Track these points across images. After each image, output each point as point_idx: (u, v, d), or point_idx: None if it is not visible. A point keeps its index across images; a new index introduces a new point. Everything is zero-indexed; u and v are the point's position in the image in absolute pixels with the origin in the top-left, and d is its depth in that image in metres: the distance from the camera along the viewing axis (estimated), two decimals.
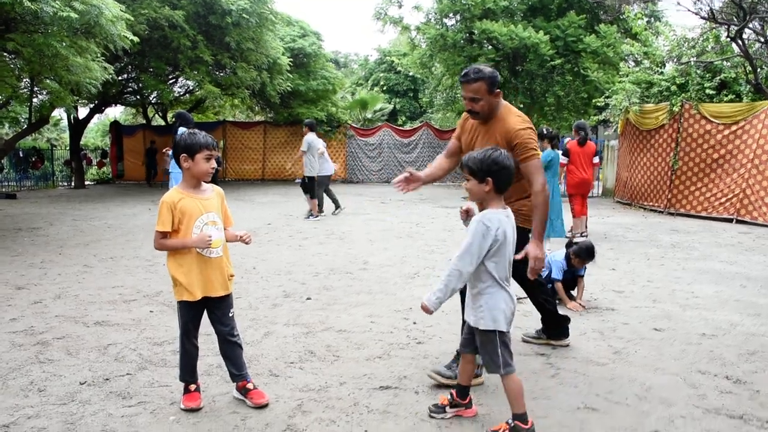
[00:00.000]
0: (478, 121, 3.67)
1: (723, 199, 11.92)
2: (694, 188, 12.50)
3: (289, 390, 3.39)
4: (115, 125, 24.13)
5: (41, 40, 8.16)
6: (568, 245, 5.34)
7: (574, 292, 5.41)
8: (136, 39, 9.52)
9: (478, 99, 3.51)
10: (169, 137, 22.34)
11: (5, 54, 9.91)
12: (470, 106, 3.56)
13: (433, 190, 19.21)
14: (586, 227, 9.36)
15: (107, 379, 3.54)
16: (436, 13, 19.63)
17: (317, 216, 11.61)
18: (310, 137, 11.45)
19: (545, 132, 7.82)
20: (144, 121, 24.79)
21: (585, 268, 5.36)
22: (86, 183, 21.54)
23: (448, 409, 3.03)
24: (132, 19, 9.93)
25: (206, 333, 4.33)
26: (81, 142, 21.77)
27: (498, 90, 3.53)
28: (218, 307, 3.18)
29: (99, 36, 8.75)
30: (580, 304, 5.20)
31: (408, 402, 3.23)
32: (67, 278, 6.29)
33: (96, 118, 26.50)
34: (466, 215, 3.08)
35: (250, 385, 3.21)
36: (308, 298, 5.47)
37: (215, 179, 14.65)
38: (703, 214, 12.25)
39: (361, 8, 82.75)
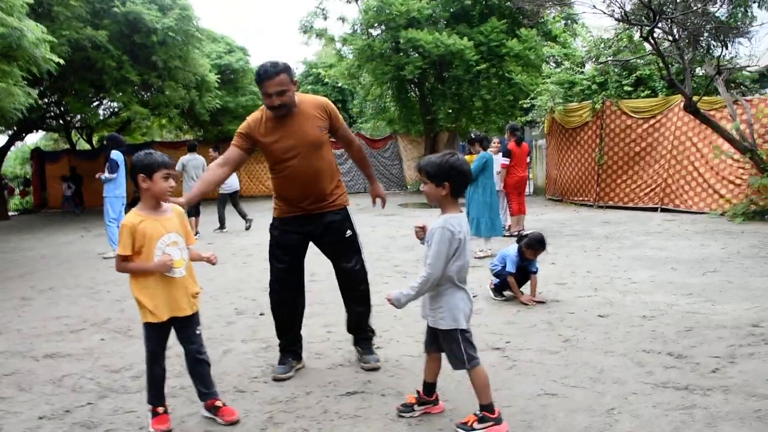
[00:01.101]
0: (278, 119, 3.66)
1: (647, 190, 12.59)
2: (620, 181, 13.14)
3: (258, 404, 3.41)
4: (36, 152, 23.17)
5: None
6: (519, 239, 5.55)
7: (524, 289, 5.61)
8: (61, 61, 9.22)
9: (285, 90, 3.55)
10: (95, 162, 21.70)
11: None
12: (279, 101, 3.56)
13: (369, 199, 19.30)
14: (523, 226, 9.69)
15: (68, 411, 3.46)
16: (361, 24, 19.85)
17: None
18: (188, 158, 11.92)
19: (474, 136, 8.13)
20: (68, 146, 23.91)
21: (537, 266, 5.56)
22: (9, 213, 20.57)
23: (416, 407, 3.13)
24: (55, 41, 9.62)
25: (168, 355, 4.31)
26: (0, 171, 20.79)
27: (296, 81, 3.68)
28: (186, 326, 3.19)
29: (21, 59, 8.44)
30: (533, 299, 5.39)
31: (376, 405, 3.31)
32: (6, 312, 6.04)
33: (14, 145, 25.34)
34: (423, 232, 3.12)
35: (219, 403, 3.22)
36: (261, 314, 5.45)
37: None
38: (630, 205, 12.90)
39: (283, 22, 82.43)
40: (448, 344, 2.96)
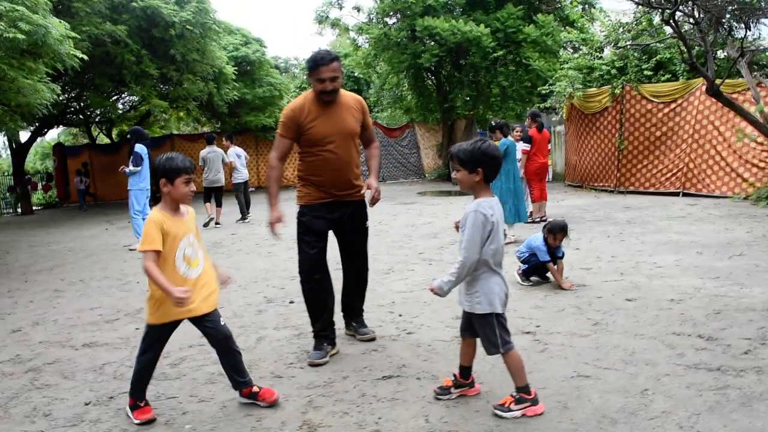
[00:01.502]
0: (319, 102, 3.92)
1: (669, 175, 12.51)
2: (641, 166, 13.06)
3: (296, 389, 3.49)
4: (59, 147, 23.47)
5: None
6: (544, 227, 5.58)
7: (549, 275, 5.64)
8: (85, 57, 9.35)
9: (337, 77, 3.85)
10: (115, 155, 21.94)
11: None
12: (332, 86, 3.84)
13: (390, 187, 19.41)
14: (544, 212, 9.69)
15: (111, 398, 3.56)
16: (377, 13, 19.83)
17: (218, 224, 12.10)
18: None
19: (494, 124, 8.15)
20: (88, 141, 24.18)
21: (563, 251, 5.60)
22: (33, 208, 20.90)
23: (452, 390, 3.19)
24: (78, 37, 9.75)
25: (200, 344, 4.43)
26: (24, 167, 21.11)
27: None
28: (207, 321, 3.21)
29: (47, 56, 8.57)
30: (573, 285, 5.42)
31: (413, 388, 3.38)
32: (41, 304, 6.19)
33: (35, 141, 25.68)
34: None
35: (255, 388, 3.29)
36: (291, 302, 5.54)
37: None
38: (651, 190, 12.82)
39: (297, 12, 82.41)
40: (483, 329, 3.01)
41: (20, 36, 7.47)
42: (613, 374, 3.38)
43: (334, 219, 4.09)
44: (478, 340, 3.12)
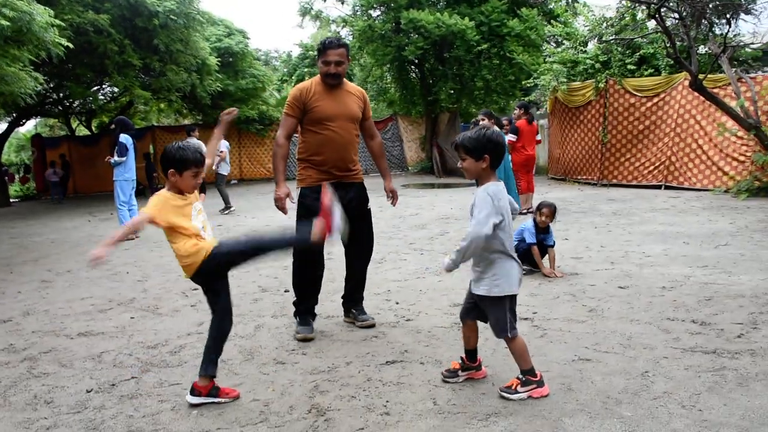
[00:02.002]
0: (325, 86, 4.16)
1: (651, 168, 12.70)
2: (623, 159, 13.24)
3: (300, 374, 3.51)
4: (37, 138, 23.07)
5: None
6: (535, 212, 5.67)
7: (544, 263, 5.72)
8: (70, 45, 9.20)
9: (342, 62, 4.10)
10: (95, 147, 21.63)
11: None
12: (335, 70, 4.08)
13: (374, 180, 19.37)
14: (531, 204, 9.79)
15: (113, 385, 3.55)
16: (362, 5, 19.78)
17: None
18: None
19: (488, 112, 8.21)
20: (67, 132, 23.81)
21: (554, 239, 5.68)
22: (11, 200, 20.53)
23: (460, 372, 3.24)
24: (62, 24, 9.59)
25: (198, 332, 4.44)
26: (1, 159, 20.73)
27: (350, 58, 4.33)
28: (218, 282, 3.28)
29: (30, 43, 8.43)
30: (553, 272, 5.52)
31: (417, 372, 3.42)
32: (29, 295, 6.12)
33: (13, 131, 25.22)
34: None
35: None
36: (286, 291, 5.55)
37: (152, 187, 14.56)
38: (634, 183, 13.01)
39: (277, 5, 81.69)
40: (495, 312, 3.05)
41: (4, 22, 7.34)
42: (612, 357, 3.45)
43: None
44: (481, 324, 3.18)
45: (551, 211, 5.55)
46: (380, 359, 3.66)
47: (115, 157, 9.34)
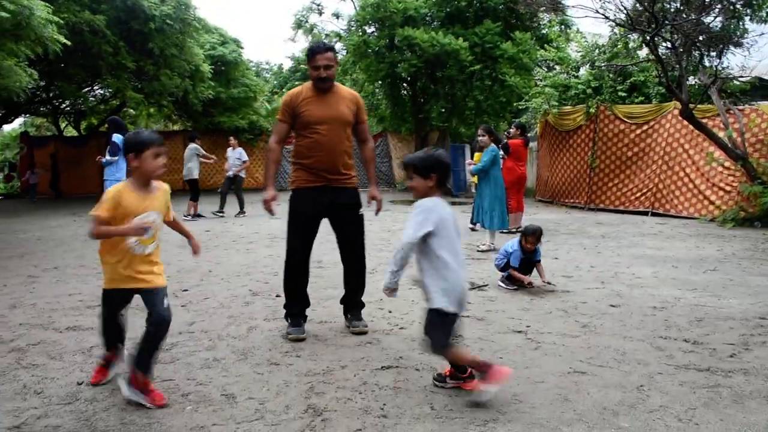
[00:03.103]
0: (316, 91, 4.20)
1: (638, 194, 12.86)
2: (611, 184, 13.39)
3: (295, 375, 3.48)
4: (25, 136, 22.82)
5: None
6: (521, 237, 5.70)
7: (534, 276, 5.75)
8: (68, 42, 9.16)
9: (331, 65, 4.15)
10: (83, 148, 21.44)
11: None
12: (325, 73, 4.13)
13: (361, 194, 19.39)
14: (520, 223, 9.85)
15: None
16: (357, 21, 19.91)
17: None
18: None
19: (488, 129, 8.25)
20: (54, 132, 23.59)
21: (540, 253, 5.72)
22: None
23: (448, 380, 3.27)
24: (61, 21, 9.55)
25: (189, 331, 4.42)
26: None
27: (338, 62, 4.39)
28: (156, 296, 3.18)
29: (28, 39, 8.38)
30: (544, 281, 5.56)
31: (413, 378, 3.41)
32: (15, 289, 6.02)
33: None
34: None
35: (152, 386, 3.18)
36: (278, 295, 5.50)
37: None
38: (621, 208, 13.16)
39: (270, 18, 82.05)
40: (428, 323, 3.09)
41: (4, 14, 7.29)
42: (608, 371, 3.47)
43: (326, 203, 4.26)
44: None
45: (536, 237, 5.59)
46: (375, 364, 3.65)
47: (107, 157, 9.27)
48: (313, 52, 4.17)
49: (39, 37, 8.37)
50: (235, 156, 13.24)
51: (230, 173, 13.20)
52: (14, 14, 7.53)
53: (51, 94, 19.59)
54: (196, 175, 12.63)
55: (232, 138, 13.91)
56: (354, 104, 4.32)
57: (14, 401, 3.20)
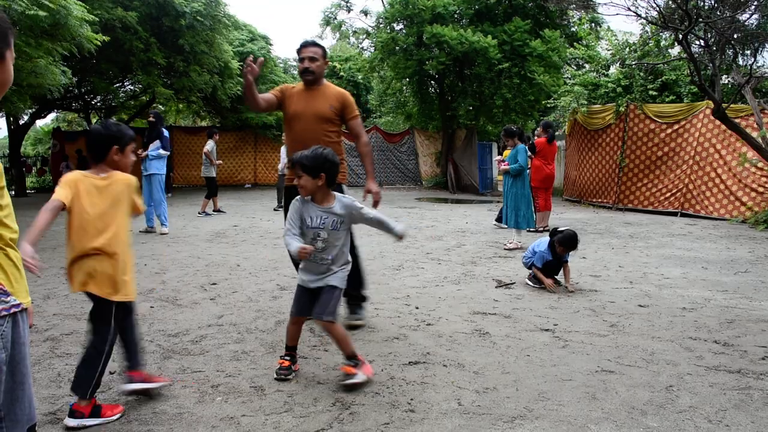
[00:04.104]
0: (304, 86, 4.39)
1: (668, 194, 12.67)
2: (640, 184, 13.22)
3: (323, 370, 3.52)
4: (58, 131, 23.30)
5: None
6: (552, 234, 5.65)
7: (559, 277, 5.73)
8: (106, 39, 9.33)
9: (315, 59, 4.34)
10: None
11: None
12: (308, 65, 4.31)
13: (388, 193, 19.46)
14: (547, 222, 9.79)
15: None
16: (385, 18, 19.93)
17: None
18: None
19: (514, 129, 8.20)
20: (85, 127, 24.04)
21: (568, 254, 5.69)
22: (27, 191, 20.74)
23: (292, 367, 3.43)
24: (96, 19, 9.74)
25: (218, 324, 4.47)
26: (20, 150, 20.97)
27: (327, 60, 4.50)
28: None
29: (64, 38, 8.55)
30: (566, 287, 5.52)
31: (440, 374, 3.42)
32: (49, 280, 6.16)
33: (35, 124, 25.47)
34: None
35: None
36: None
37: (168, 186, 14.51)
38: (650, 208, 12.98)
39: (300, 15, 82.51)
40: (332, 298, 3.28)
41: (42, 13, 7.46)
42: (636, 371, 3.45)
43: None
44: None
45: (571, 248, 5.54)
46: (403, 359, 3.67)
47: (159, 151, 9.34)
48: (300, 46, 4.41)
49: (75, 36, 8.53)
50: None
51: (284, 171, 13.39)
52: (51, 14, 7.69)
53: (83, 90, 19.94)
54: (213, 173, 12.70)
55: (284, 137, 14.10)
56: (338, 101, 4.42)
57: (50, 388, 3.29)
